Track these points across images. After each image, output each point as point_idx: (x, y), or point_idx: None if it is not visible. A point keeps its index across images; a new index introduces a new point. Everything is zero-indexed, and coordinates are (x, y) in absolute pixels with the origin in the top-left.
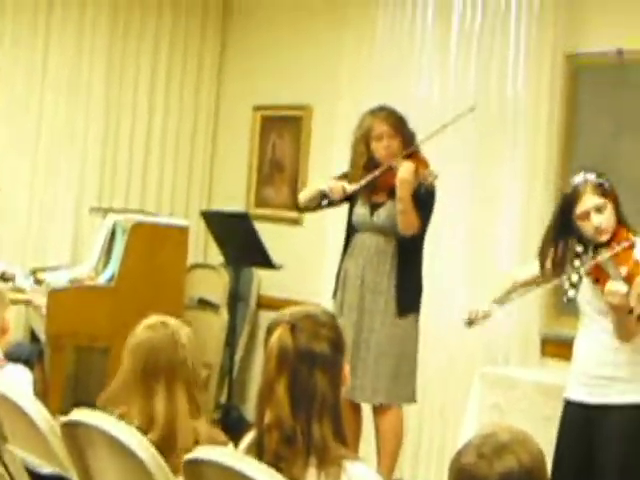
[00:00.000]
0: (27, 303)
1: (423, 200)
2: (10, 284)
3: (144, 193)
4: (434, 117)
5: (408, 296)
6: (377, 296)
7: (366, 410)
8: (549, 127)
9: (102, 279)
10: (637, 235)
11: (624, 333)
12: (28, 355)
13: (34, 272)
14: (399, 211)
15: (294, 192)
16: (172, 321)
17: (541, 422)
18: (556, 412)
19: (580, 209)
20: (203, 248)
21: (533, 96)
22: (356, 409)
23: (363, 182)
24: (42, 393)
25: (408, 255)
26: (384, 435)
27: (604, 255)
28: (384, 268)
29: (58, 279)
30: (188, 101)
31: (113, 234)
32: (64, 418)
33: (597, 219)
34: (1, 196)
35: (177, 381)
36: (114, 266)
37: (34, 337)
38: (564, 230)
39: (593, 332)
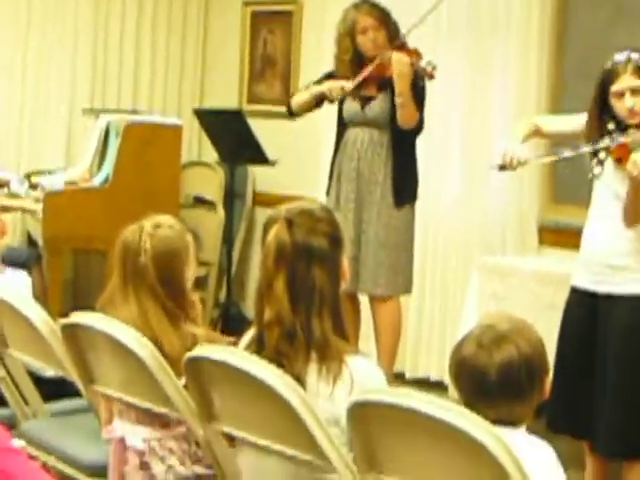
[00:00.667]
0: (22, 209)
1: (420, 90)
2: (5, 190)
3: (136, 92)
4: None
5: (404, 186)
6: (373, 187)
7: (364, 303)
8: (541, 14)
9: (97, 181)
10: None
11: (634, 215)
12: (25, 259)
13: (28, 176)
14: (399, 105)
15: (287, 88)
16: (148, 224)
17: (540, 309)
18: (554, 299)
19: (615, 87)
20: (197, 146)
21: None
22: (355, 302)
23: (360, 78)
24: (41, 297)
25: (403, 146)
26: (383, 327)
27: (633, 134)
28: (379, 159)
29: (53, 183)
30: None
31: (106, 135)
32: (64, 320)
33: (630, 101)
34: None
35: (142, 286)
36: (108, 167)
37: (31, 242)
38: (600, 105)
39: (606, 218)
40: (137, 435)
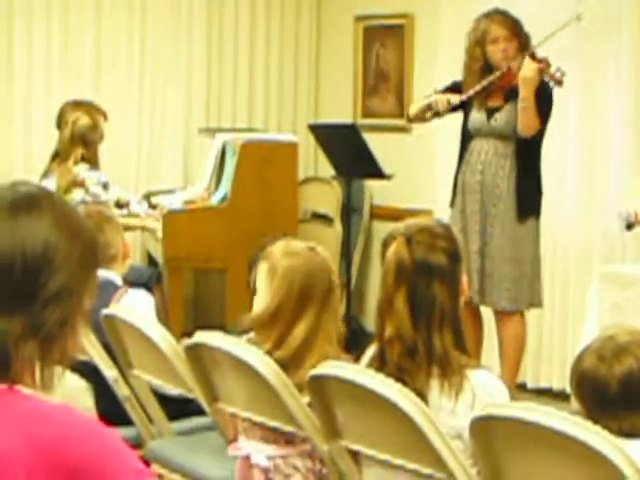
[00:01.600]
0: (142, 228)
1: (544, 100)
2: (125, 210)
3: (251, 111)
4: (535, 25)
5: (528, 199)
6: (496, 200)
7: (488, 315)
8: None
9: (215, 199)
10: None
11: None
12: (147, 279)
13: (148, 196)
14: (521, 109)
15: (400, 101)
16: (319, 247)
17: None
18: None
19: None
20: (314, 162)
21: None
22: (476, 315)
23: (471, 92)
24: (163, 316)
25: (527, 158)
26: (507, 341)
27: None
28: (503, 172)
29: (172, 202)
30: (290, 15)
31: (223, 154)
32: (188, 341)
33: None
34: (112, 124)
35: (328, 307)
36: (226, 186)
37: (152, 261)
38: None
39: None
40: (262, 453)
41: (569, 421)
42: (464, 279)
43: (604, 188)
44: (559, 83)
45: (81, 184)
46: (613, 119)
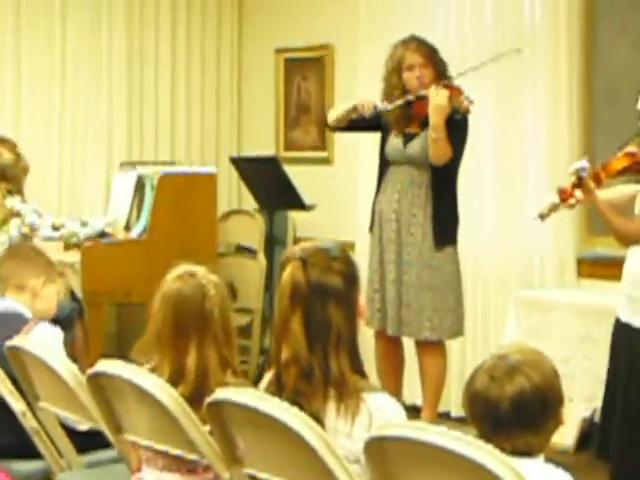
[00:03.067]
0: (62, 263)
1: (456, 128)
2: (62, 231)
3: (173, 145)
4: (454, 48)
5: (444, 228)
6: (413, 228)
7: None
8: (569, 48)
9: (134, 233)
10: None
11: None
12: (68, 314)
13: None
14: (431, 139)
15: (322, 132)
16: (200, 271)
17: (577, 342)
18: (591, 331)
19: None
20: (237, 195)
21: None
22: (398, 345)
23: (397, 102)
24: (85, 350)
25: (442, 186)
26: (429, 371)
27: None
28: (419, 200)
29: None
30: (210, 49)
31: (143, 188)
32: (90, 370)
33: None
34: (33, 157)
35: (207, 334)
36: (145, 219)
37: (74, 297)
38: None
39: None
40: None
41: (462, 441)
42: (361, 301)
43: (522, 213)
44: (466, 111)
45: (17, 215)
46: (529, 143)
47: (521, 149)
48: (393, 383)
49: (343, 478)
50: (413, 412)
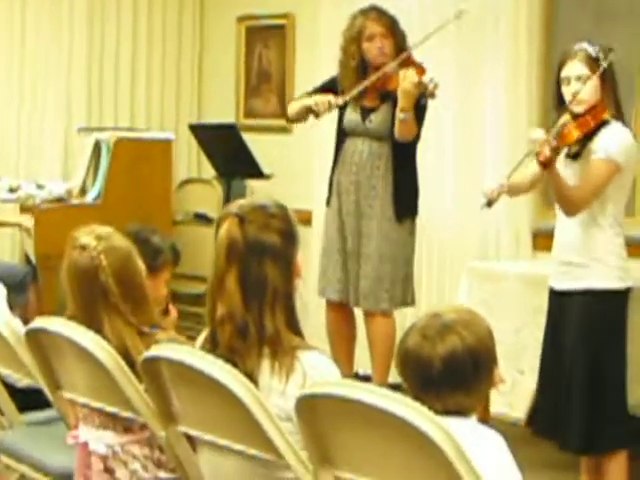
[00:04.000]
0: (18, 225)
1: (422, 108)
2: (19, 193)
3: (133, 111)
4: (414, 26)
5: (405, 200)
6: (372, 200)
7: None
8: (529, 21)
9: (89, 197)
10: (618, 121)
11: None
12: (22, 278)
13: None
14: (400, 120)
15: (282, 101)
16: (94, 241)
17: (530, 313)
18: (543, 302)
19: (563, 73)
20: (197, 163)
21: None
22: (350, 314)
23: (352, 94)
24: (38, 314)
25: (403, 158)
26: (378, 340)
27: (562, 119)
28: (378, 172)
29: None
30: (172, 15)
31: (99, 152)
32: (28, 326)
33: (575, 87)
34: None
35: (110, 306)
36: (100, 184)
37: (28, 260)
38: (556, 98)
39: (561, 216)
40: (100, 440)
41: (390, 398)
42: (299, 261)
43: (480, 186)
44: (432, 96)
45: None
46: (489, 116)
47: (480, 122)
48: (345, 353)
49: (274, 435)
50: (365, 381)
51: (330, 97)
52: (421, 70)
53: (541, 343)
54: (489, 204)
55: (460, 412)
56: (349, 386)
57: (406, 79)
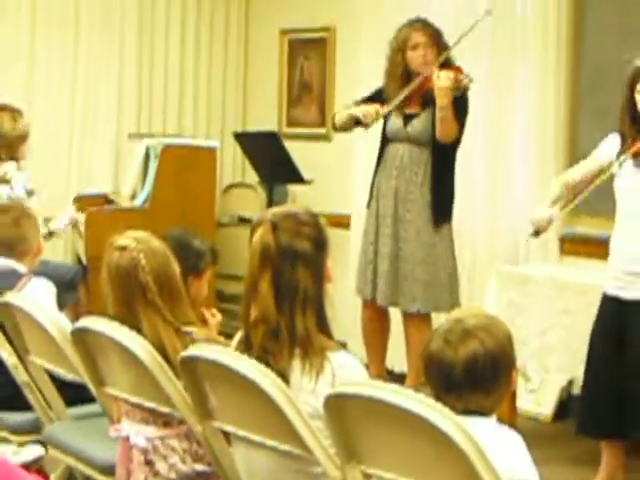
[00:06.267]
0: (72, 226)
1: (460, 105)
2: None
3: (181, 118)
4: (451, 30)
5: (442, 207)
6: (410, 205)
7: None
8: (557, 35)
9: (138, 201)
10: None
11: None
12: (73, 276)
13: (78, 199)
14: (439, 119)
15: (322, 111)
16: (133, 242)
17: (556, 315)
18: (568, 305)
19: None
20: (241, 169)
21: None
22: (385, 315)
23: (396, 101)
24: (88, 313)
25: (442, 164)
26: (415, 344)
27: None
28: (416, 178)
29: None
30: (218, 28)
31: (149, 158)
32: (74, 326)
33: None
34: (43, 128)
35: (148, 305)
36: (148, 189)
37: (79, 260)
38: (631, 106)
39: (633, 228)
40: (141, 434)
41: (413, 399)
42: (329, 265)
43: (510, 191)
44: (465, 88)
45: (7, 181)
46: (519, 122)
47: (510, 125)
48: (378, 351)
49: (304, 432)
50: (399, 380)
51: (376, 106)
52: (457, 69)
53: (587, 347)
54: (536, 234)
55: (480, 412)
56: (375, 387)
57: (441, 77)
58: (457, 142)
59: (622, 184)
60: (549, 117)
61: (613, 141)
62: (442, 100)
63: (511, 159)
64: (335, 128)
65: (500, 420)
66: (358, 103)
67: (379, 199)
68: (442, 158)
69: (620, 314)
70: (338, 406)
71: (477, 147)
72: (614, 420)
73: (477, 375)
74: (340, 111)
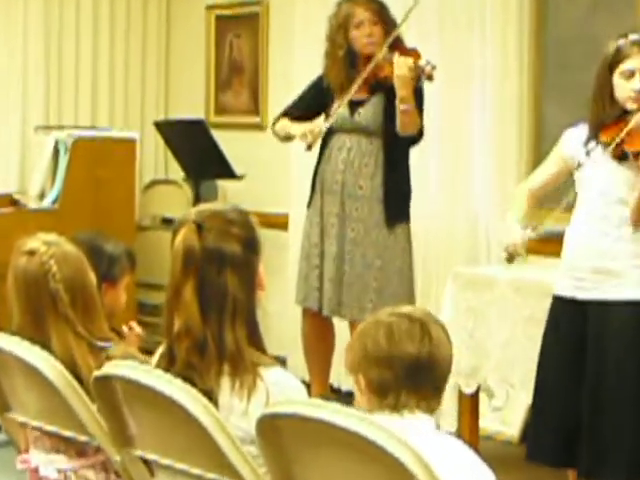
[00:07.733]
0: None
1: (419, 93)
2: None
3: (95, 107)
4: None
5: (396, 204)
6: (359, 202)
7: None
8: (520, 10)
9: (46, 202)
10: None
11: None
12: None
13: None
14: (401, 112)
15: (255, 97)
16: (43, 246)
17: (520, 323)
18: (535, 311)
19: (626, 66)
20: (163, 163)
21: None
22: (330, 324)
23: (338, 110)
24: None
25: (395, 157)
26: None
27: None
28: (366, 171)
29: None
30: (136, 4)
31: (58, 153)
32: None
33: (638, 83)
34: None
35: (59, 315)
36: (57, 187)
37: None
38: (607, 91)
39: (594, 222)
40: (52, 465)
41: (354, 417)
42: (261, 270)
43: (469, 181)
44: (430, 78)
45: None
46: (476, 116)
47: (467, 122)
48: (321, 367)
49: (235, 459)
50: (345, 399)
51: (317, 122)
52: (415, 54)
53: (538, 357)
54: (510, 259)
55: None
56: (313, 405)
57: (400, 64)
58: (421, 134)
59: (589, 173)
60: (511, 99)
61: (572, 135)
62: (402, 91)
63: (469, 146)
64: (273, 130)
65: (462, 440)
66: (296, 105)
67: (323, 195)
68: (395, 148)
69: (579, 319)
70: (272, 428)
71: (430, 134)
72: (566, 448)
73: (415, 377)
74: (280, 120)
